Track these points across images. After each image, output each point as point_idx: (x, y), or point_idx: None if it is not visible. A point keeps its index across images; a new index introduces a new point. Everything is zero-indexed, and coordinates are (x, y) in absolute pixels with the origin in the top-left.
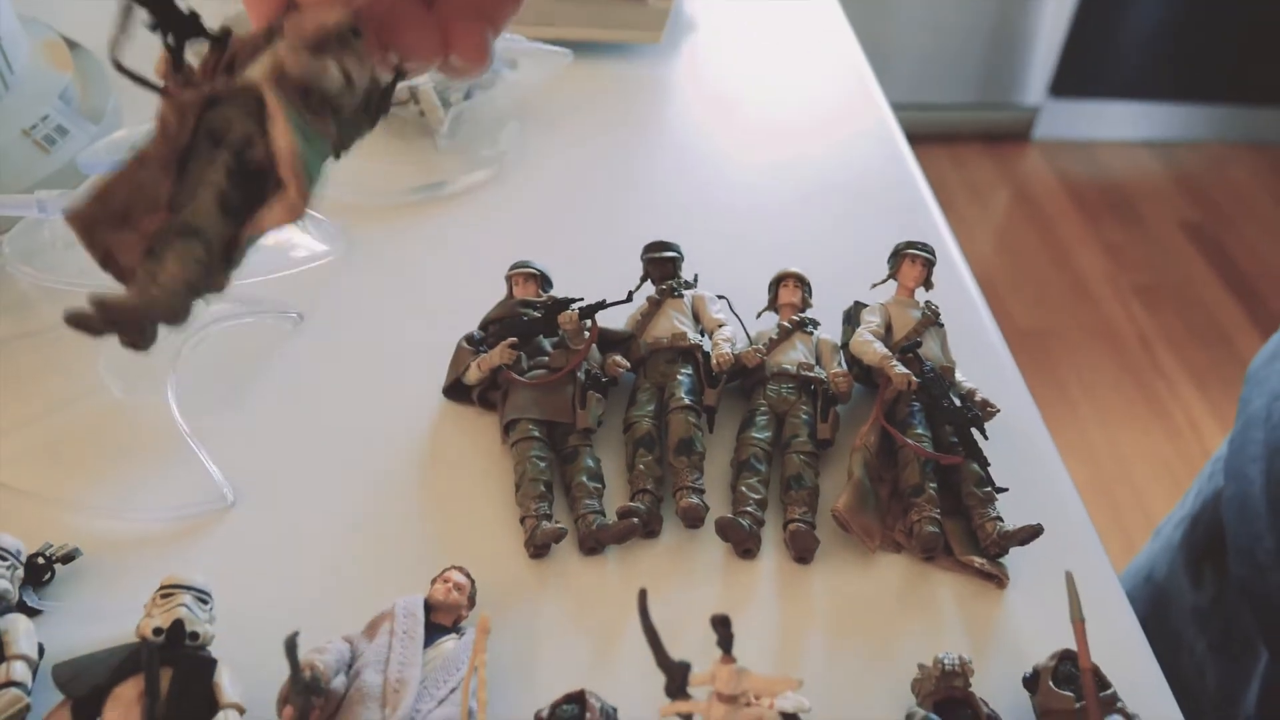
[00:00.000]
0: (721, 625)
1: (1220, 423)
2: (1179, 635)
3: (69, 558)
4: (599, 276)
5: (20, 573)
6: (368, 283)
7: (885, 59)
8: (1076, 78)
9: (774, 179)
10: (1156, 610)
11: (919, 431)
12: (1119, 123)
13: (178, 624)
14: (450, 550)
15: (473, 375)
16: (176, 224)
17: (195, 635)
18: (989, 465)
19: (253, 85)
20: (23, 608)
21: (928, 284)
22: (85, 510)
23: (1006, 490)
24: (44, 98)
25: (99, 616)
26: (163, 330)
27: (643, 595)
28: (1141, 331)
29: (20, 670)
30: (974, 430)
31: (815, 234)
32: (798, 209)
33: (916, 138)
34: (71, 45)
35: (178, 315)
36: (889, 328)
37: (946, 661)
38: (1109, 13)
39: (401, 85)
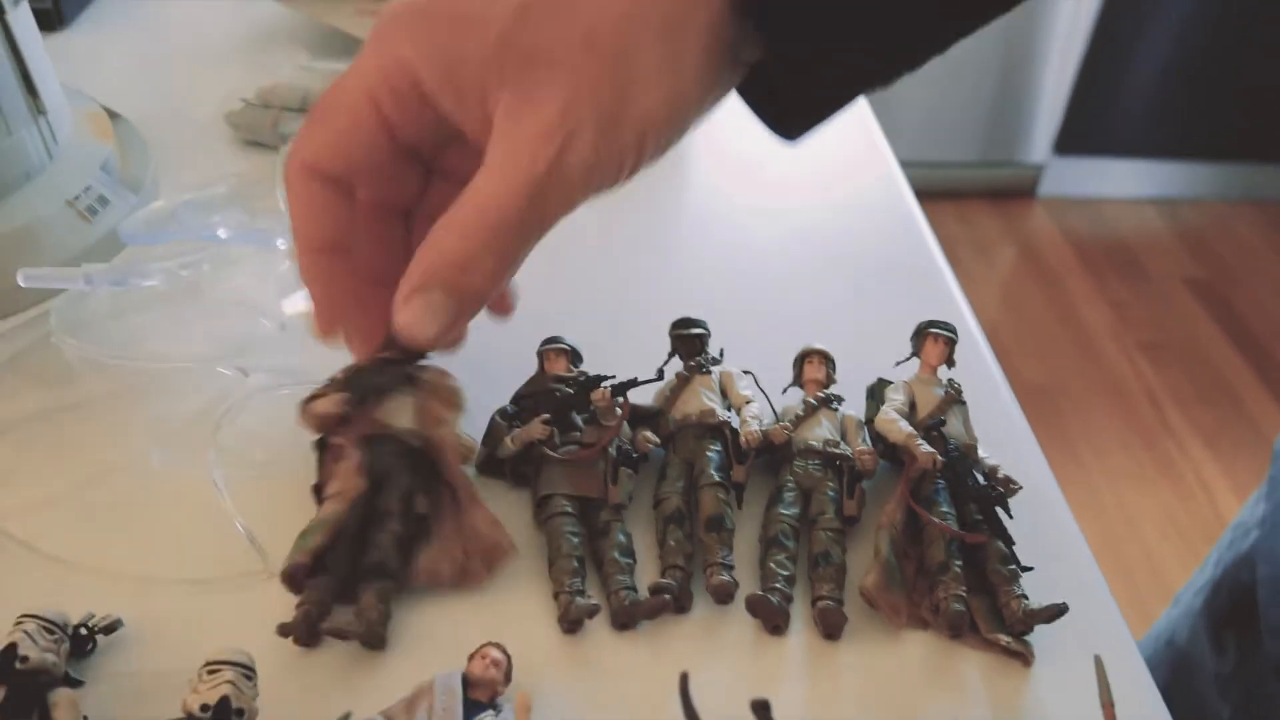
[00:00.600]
0: (761, 709)
1: (1231, 482)
2: (1202, 702)
3: (111, 629)
4: (625, 347)
5: (66, 646)
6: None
7: (891, 116)
8: (1081, 135)
9: (793, 245)
10: (1179, 677)
11: (944, 509)
12: (1123, 180)
13: (224, 701)
14: (484, 624)
15: (507, 450)
16: (370, 566)
17: (240, 712)
18: (1013, 544)
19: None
20: (67, 680)
21: (950, 362)
22: (128, 581)
23: (1032, 569)
24: (86, 168)
25: (141, 688)
26: (202, 400)
27: (684, 679)
28: (1149, 389)
29: None
30: (998, 509)
31: (835, 302)
32: (817, 276)
33: (922, 194)
34: (111, 115)
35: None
36: (913, 405)
37: None
38: (1113, 71)
39: None
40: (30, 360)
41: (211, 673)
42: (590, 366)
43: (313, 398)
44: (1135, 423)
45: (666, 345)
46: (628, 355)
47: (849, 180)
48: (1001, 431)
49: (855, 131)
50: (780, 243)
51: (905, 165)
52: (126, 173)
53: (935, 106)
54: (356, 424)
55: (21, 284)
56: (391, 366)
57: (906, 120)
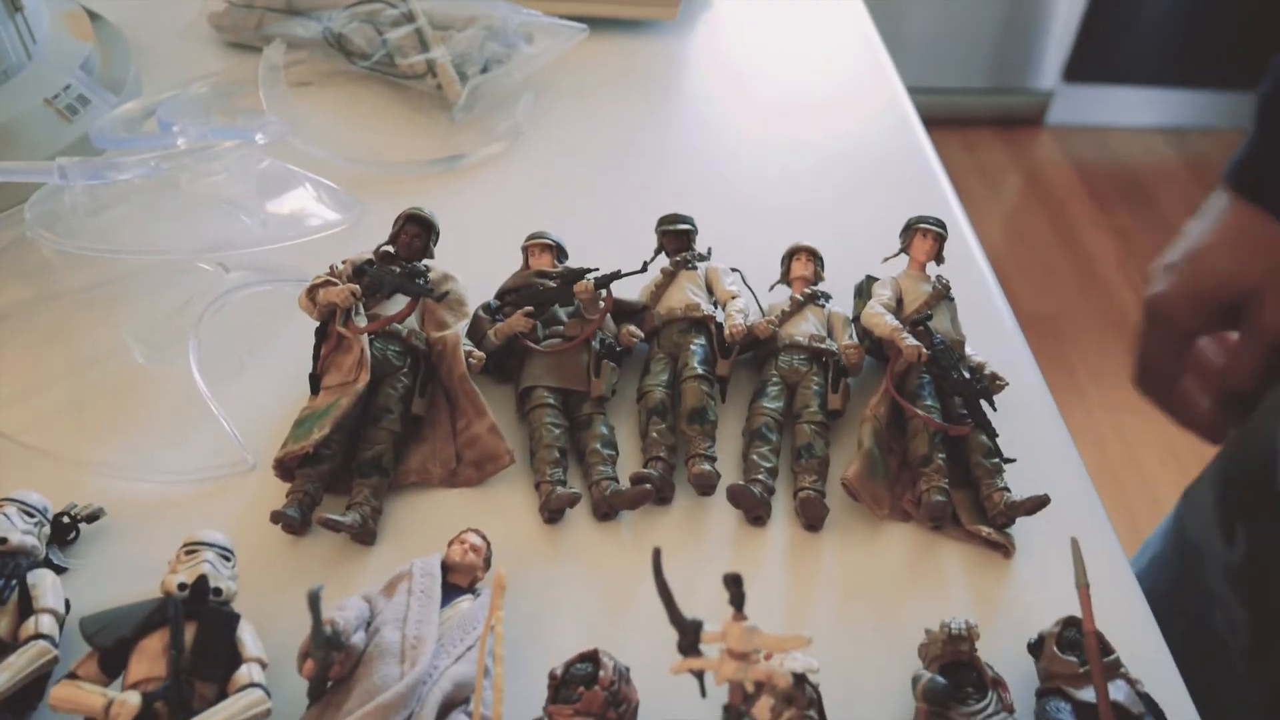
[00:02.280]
0: (733, 584)
1: None
2: (1212, 592)
3: (93, 517)
4: (613, 247)
5: (47, 530)
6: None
7: (899, 43)
8: (1091, 63)
9: (787, 154)
10: (1189, 568)
11: (928, 403)
12: (1132, 108)
13: (201, 579)
14: (466, 514)
15: (490, 343)
16: (366, 461)
17: (218, 591)
18: (997, 436)
19: (411, 333)
20: (49, 565)
21: (939, 258)
22: (108, 472)
23: (1014, 461)
24: (66, 67)
25: (122, 574)
26: (183, 296)
27: (657, 554)
28: None
29: (48, 624)
30: (982, 402)
31: (827, 208)
32: (810, 183)
33: (929, 122)
34: (92, 16)
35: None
36: (900, 301)
37: (953, 626)
38: None
39: (418, 59)
40: (5, 256)
41: (189, 553)
42: (575, 262)
43: (318, 285)
44: None
45: (653, 242)
46: (614, 251)
47: (852, 97)
48: (993, 336)
49: (860, 50)
50: (776, 154)
51: (911, 91)
52: (107, 73)
53: (943, 31)
54: (360, 318)
55: None
56: (397, 265)
57: (914, 46)
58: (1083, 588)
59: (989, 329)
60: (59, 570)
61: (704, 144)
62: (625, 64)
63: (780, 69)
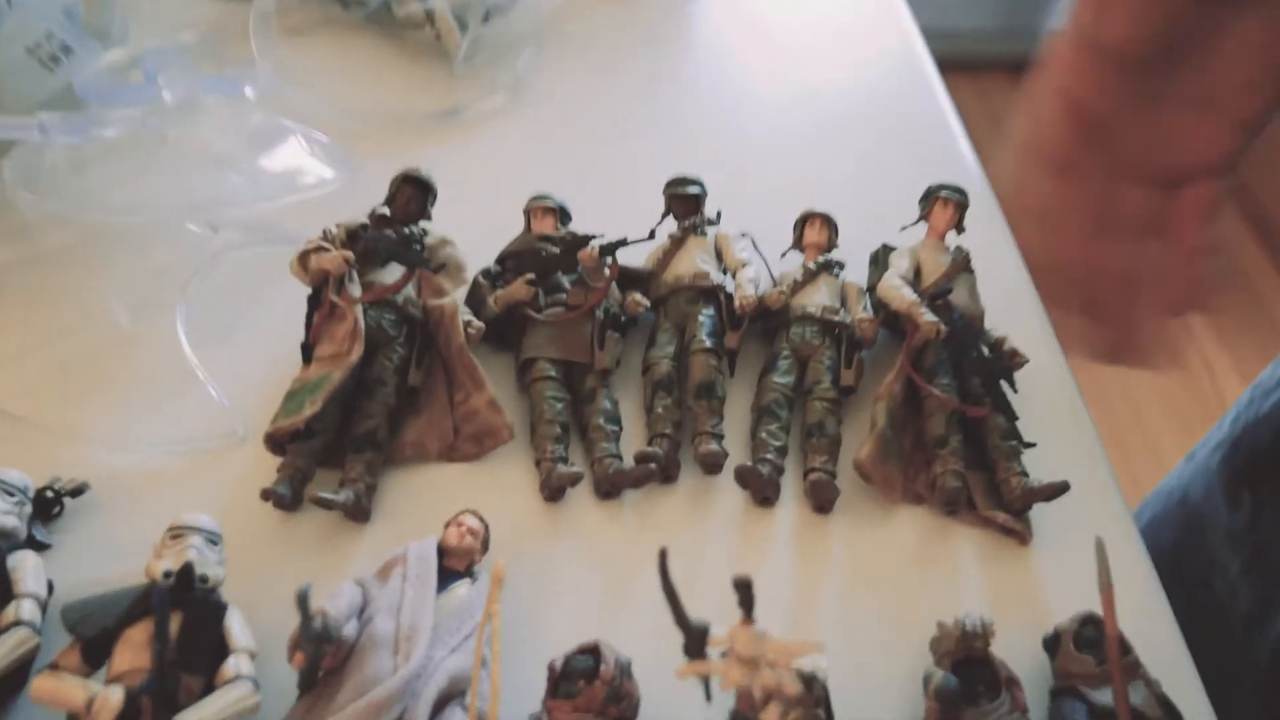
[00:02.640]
0: (743, 587)
1: (1236, 366)
2: (1213, 557)
3: (78, 492)
4: (618, 207)
5: (28, 509)
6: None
7: None
8: None
9: (802, 107)
10: (1191, 532)
11: (945, 381)
12: None
13: (187, 567)
14: (464, 490)
15: (490, 311)
16: (360, 435)
17: (205, 578)
18: (1017, 419)
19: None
20: (31, 543)
21: (959, 228)
22: (94, 442)
23: (1034, 445)
24: (47, 14)
25: (108, 552)
26: (169, 257)
27: (663, 555)
28: None
29: (29, 609)
30: (1002, 382)
31: (843, 166)
32: (825, 140)
33: (939, 67)
34: None
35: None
36: (918, 272)
37: (968, 623)
38: None
39: (416, 7)
40: None
41: (175, 538)
42: (580, 225)
43: (310, 251)
44: None
45: (661, 202)
46: (620, 211)
47: (867, 47)
48: (1012, 304)
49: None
50: (790, 107)
51: (921, 33)
52: (92, 19)
53: None
54: (355, 285)
55: None
56: (393, 228)
57: None
58: (1106, 590)
59: (1010, 299)
60: (42, 547)
61: (716, 96)
62: (634, 10)
63: (794, 10)
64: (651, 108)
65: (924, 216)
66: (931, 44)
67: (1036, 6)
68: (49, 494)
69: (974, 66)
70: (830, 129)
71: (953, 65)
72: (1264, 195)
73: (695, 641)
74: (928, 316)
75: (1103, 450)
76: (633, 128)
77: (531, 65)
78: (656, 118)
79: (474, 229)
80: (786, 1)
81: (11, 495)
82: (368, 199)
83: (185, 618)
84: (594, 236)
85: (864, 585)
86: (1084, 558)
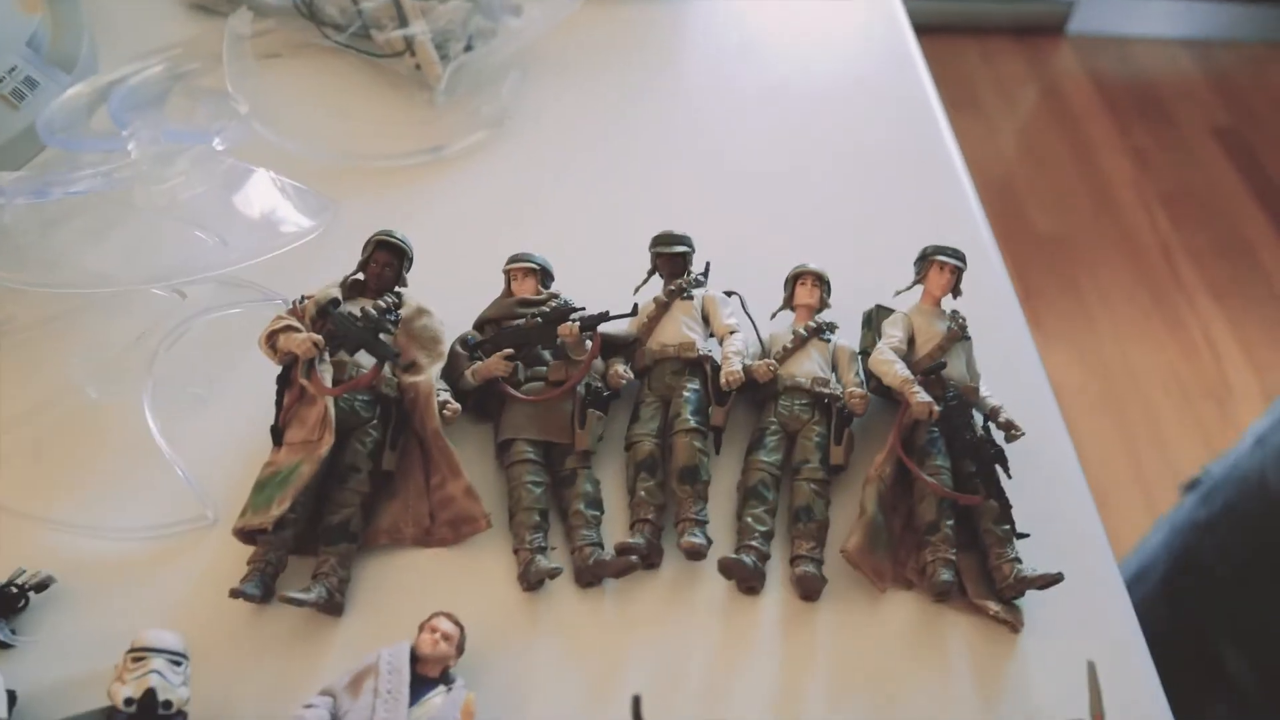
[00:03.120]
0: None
1: (1238, 339)
2: None
3: (43, 586)
4: (606, 246)
5: None
6: (357, 260)
7: None
8: None
9: (798, 140)
10: (1275, 515)
11: (938, 462)
12: (1156, 18)
13: (150, 693)
14: (440, 578)
15: (467, 384)
16: (333, 527)
17: (169, 704)
18: (1010, 506)
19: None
20: None
21: (956, 291)
22: (61, 529)
23: (1028, 536)
24: (10, 45)
25: (74, 651)
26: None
27: (636, 702)
28: (1164, 241)
29: None
30: (997, 467)
31: (836, 196)
32: (819, 172)
33: (945, 29)
34: None
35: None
36: (912, 340)
37: None
38: None
39: (395, 35)
40: None
41: (137, 660)
42: (563, 283)
43: (278, 330)
44: (1146, 276)
45: (646, 258)
46: (606, 252)
47: (863, 74)
48: (1010, 361)
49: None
50: (781, 135)
51: None
52: (57, 48)
53: None
54: (325, 366)
55: None
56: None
57: None
58: (1097, 716)
59: (1008, 357)
60: (4, 647)
61: (705, 123)
62: (620, 34)
63: (786, 34)
64: (638, 137)
65: (919, 280)
66: (940, 8)
67: None
68: (13, 589)
69: (981, 30)
70: (824, 162)
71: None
72: (1270, 162)
73: None
74: (920, 396)
75: (1104, 535)
76: (619, 159)
77: (515, 95)
78: (644, 147)
79: (455, 273)
80: (778, 18)
81: None
82: (345, 246)
83: None
84: (576, 309)
85: (852, 677)
86: (1077, 647)
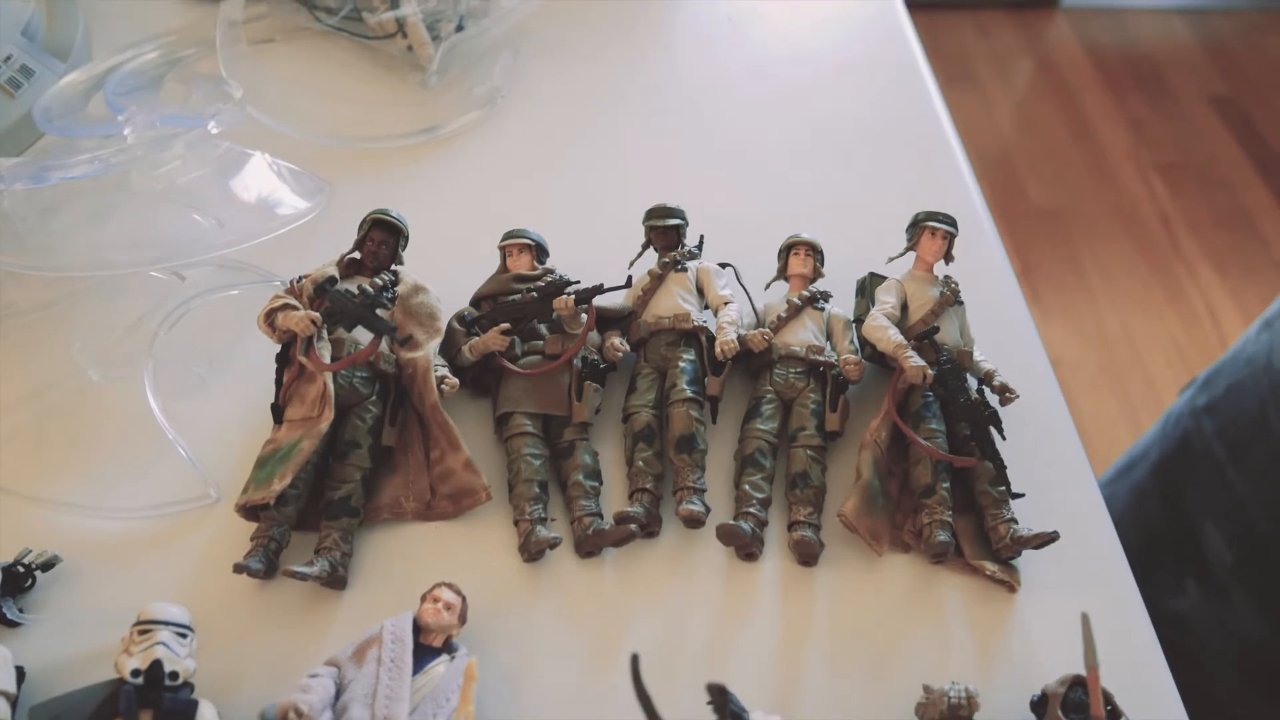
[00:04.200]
0: (718, 694)
1: (1238, 308)
2: None
3: (49, 565)
4: (598, 227)
5: None
6: (352, 240)
7: None
8: None
9: (787, 110)
10: (1277, 395)
11: (933, 426)
12: None
13: (156, 664)
14: (442, 550)
15: (465, 359)
16: (335, 502)
17: (175, 675)
18: (1005, 467)
19: (379, 358)
20: (3, 621)
21: (948, 257)
22: (66, 509)
23: (1023, 495)
24: (5, 34)
25: (81, 627)
26: (137, 308)
27: (635, 661)
28: (1163, 212)
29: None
30: (991, 429)
31: (828, 167)
32: (812, 143)
33: (940, 5)
34: None
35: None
36: (905, 307)
37: (952, 694)
38: None
39: (387, 16)
40: None
41: (143, 633)
42: (558, 259)
43: (276, 309)
44: (1146, 247)
45: (640, 233)
46: (601, 228)
47: (856, 44)
48: (1005, 328)
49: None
50: (775, 109)
51: None
52: (53, 35)
53: None
54: (324, 343)
55: None
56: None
57: None
58: (1092, 670)
59: (1003, 324)
60: (13, 625)
61: (697, 98)
62: (612, 10)
63: (777, 14)
64: (631, 114)
65: (911, 247)
66: None
67: None
68: (19, 568)
69: (976, 4)
70: (817, 133)
71: (955, 3)
72: (1271, 132)
73: None
74: (914, 361)
75: (1099, 494)
76: (613, 136)
77: (507, 74)
78: (637, 124)
79: (451, 253)
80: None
81: None
82: (340, 226)
83: (156, 716)
84: (570, 282)
85: (850, 639)
86: (1073, 605)
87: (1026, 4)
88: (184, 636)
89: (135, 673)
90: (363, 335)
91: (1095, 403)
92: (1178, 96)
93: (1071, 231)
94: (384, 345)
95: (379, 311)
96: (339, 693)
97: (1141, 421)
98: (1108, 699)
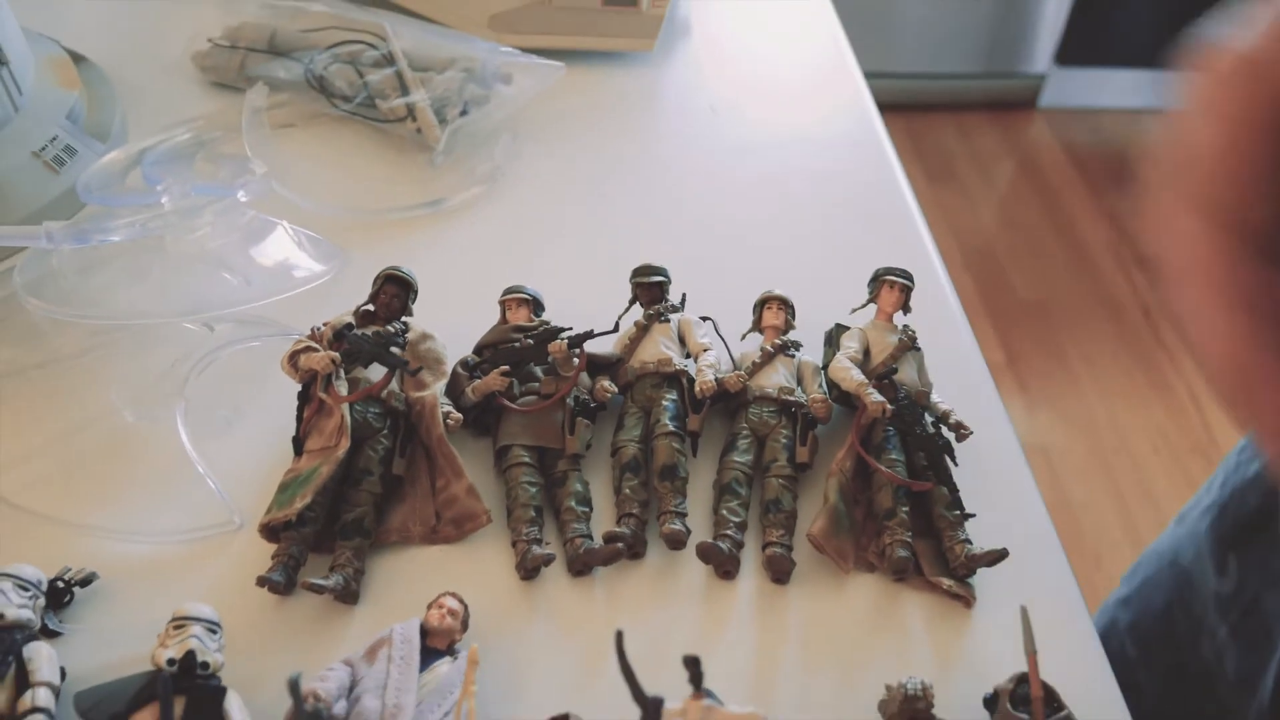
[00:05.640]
0: (692, 664)
1: None
2: (1201, 620)
3: (87, 581)
4: (590, 286)
5: (41, 601)
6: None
7: (893, 28)
8: (1082, 46)
9: (763, 188)
10: (1181, 595)
11: (893, 456)
12: (1125, 90)
13: (189, 655)
14: (446, 571)
15: (468, 400)
16: (349, 523)
17: (206, 665)
18: (958, 492)
19: (391, 396)
20: (44, 631)
21: (906, 308)
22: (101, 534)
23: (974, 516)
24: (52, 117)
25: (116, 638)
26: (170, 355)
27: (619, 637)
28: (1144, 303)
29: (44, 697)
30: (946, 456)
31: (801, 238)
32: (785, 214)
33: (922, 107)
34: (76, 59)
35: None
36: (867, 352)
37: (909, 686)
38: None
39: (398, 103)
40: None
41: (178, 627)
42: (553, 308)
43: (299, 351)
44: (1129, 338)
45: (628, 289)
46: (592, 291)
47: (827, 128)
48: (960, 372)
49: (838, 79)
50: (752, 188)
51: (906, 77)
52: (93, 120)
53: (936, 18)
54: (341, 383)
55: None
56: (376, 325)
57: (908, 32)
58: (1031, 655)
59: (958, 370)
60: (54, 635)
61: (680, 177)
62: (602, 98)
63: (757, 96)
64: (620, 188)
65: (872, 298)
66: (917, 86)
67: (1012, 51)
68: (60, 584)
69: (957, 106)
70: (790, 208)
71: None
72: None
73: (651, 715)
74: (874, 397)
75: (1047, 516)
76: (603, 208)
77: (507, 155)
78: (625, 198)
79: (455, 311)
80: (750, 84)
81: (26, 590)
82: (355, 290)
83: (188, 702)
84: (564, 329)
85: (820, 650)
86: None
87: (1005, 106)
88: (214, 632)
89: (170, 661)
90: (378, 373)
91: (1084, 490)
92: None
93: (1056, 322)
94: (394, 384)
95: (391, 350)
96: (352, 686)
97: (1130, 508)
98: (1052, 693)
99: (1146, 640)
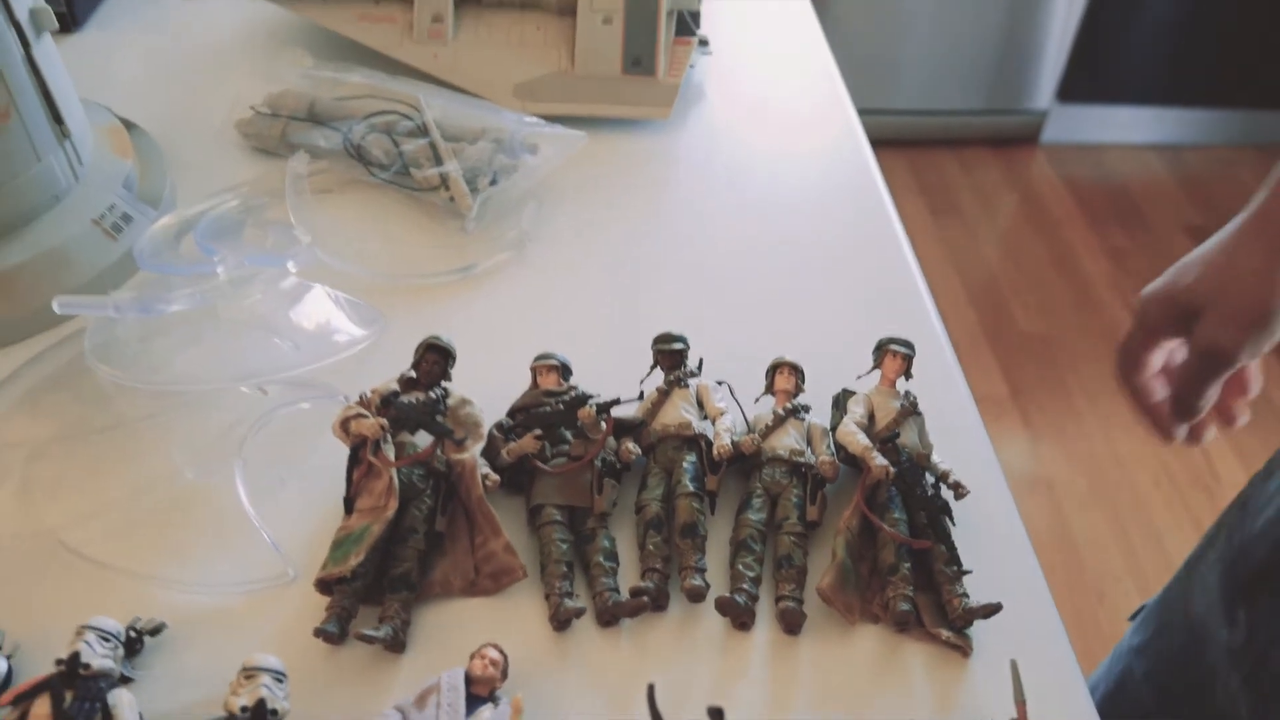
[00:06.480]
0: (717, 715)
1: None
2: (1215, 668)
3: (157, 630)
4: (613, 347)
5: (120, 651)
6: (404, 362)
7: (896, 66)
8: (1084, 83)
9: (776, 250)
10: (1194, 643)
11: (896, 515)
12: (1126, 127)
13: (261, 703)
14: (485, 622)
15: (503, 461)
16: (396, 577)
17: (275, 712)
18: (956, 549)
19: (435, 459)
20: (122, 679)
21: (907, 374)
22: (168, 585)
23: (970, 572)
24: (109, 185)
25: (185, 683)
26: (227, 418)
27: (651, 690)
28: None
29: None
30: (944, 516)
31: (812, 301)
32: (797, 279)
33: (925, 142)
34: (128, 125)
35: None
36: (872, 416)
37: None
38: (1116, 18)
39: (432, 172)
40: (67, 380)
41: (249, 677)
42: (580, 376)
43: (350, 417)
44: None
45: (649, 354)
46: (614, 350)
47: (837, 194)
48: (959, 437)
49: (844, 146)
50: (766, 251)
51: (909, 114)
52: (146, 187)
53: (939, 55)
54: (389, 446)
55: (57, 311)
56: (419, 391)
57: (911, 69)
58: (1020, 704)
59: (957, 433)
60: (128, 681)
61: (698, 240)
62: (621, 163)
63: (770, 159)
64: (640, 251)
65: (877, 365)
66: (920, 122)
67: (1014, 88)
68: (132, 633)
69: (959, 142)
70: (802, 267)
71: (940, 141)
72: None
73: None
74: (878, 460)
75: (1038, 568)
76: (623, 271)
77: (533, 220)
78: (645, 260)
79: (487, 371)
80: (764, 150)
81: (108, 641)
82: (394, 352)
83: None
84: (591, 396)
85: (829, 696)
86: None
87: (1008, 142)
88: (280, 681)
89: (244, 709)
90: (423, 438)
91: (1087, 523)
92: (1154, 228)
93: (1058, 356)
94: (437, 449)
95: (436, 418)
96: None
97: (1132, 542)
98: None
99: (1163, 689)
